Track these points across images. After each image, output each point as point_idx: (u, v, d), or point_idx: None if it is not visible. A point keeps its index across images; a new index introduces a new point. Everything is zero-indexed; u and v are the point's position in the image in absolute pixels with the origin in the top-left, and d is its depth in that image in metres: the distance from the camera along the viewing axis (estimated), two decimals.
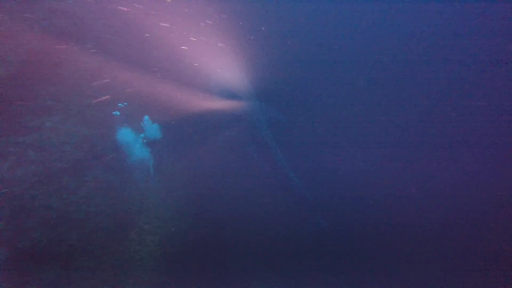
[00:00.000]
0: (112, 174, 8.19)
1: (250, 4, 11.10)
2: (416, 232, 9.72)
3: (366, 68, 11.46)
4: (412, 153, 10.60)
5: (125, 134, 8.47)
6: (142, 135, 8.63)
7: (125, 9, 9.64)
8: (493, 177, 10.32)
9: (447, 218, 9.93)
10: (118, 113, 8.57)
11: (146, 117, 8.80)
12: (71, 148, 7.88)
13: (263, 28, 10.95)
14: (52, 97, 8.24)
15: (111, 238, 7.51)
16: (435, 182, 10.36)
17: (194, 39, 10.09)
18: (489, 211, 9.99)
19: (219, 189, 9.16)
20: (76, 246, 7.00)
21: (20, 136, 7.46)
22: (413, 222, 9.83)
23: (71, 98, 8.43)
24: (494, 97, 11.03)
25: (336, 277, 8.79)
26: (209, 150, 9.51)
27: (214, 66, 10.12)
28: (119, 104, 8.76)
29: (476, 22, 11.63)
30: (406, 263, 9.16)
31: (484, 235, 9.75)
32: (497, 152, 10.58)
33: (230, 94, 9.98)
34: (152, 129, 8.78)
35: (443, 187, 10.28)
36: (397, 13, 11.90)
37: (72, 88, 8.49)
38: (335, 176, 10.10)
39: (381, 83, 11.39)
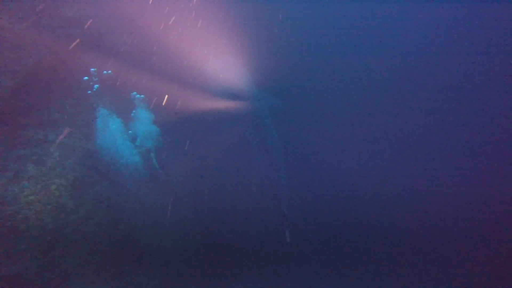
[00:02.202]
0: (115, 192, 7.64)
1: None
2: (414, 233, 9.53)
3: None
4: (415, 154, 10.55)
5: (109, 128, 6.48)
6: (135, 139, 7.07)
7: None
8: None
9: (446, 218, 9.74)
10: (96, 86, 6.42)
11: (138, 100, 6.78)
12: (73, 164, 7.41)
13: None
14: (58, 109, 7.89)
15: (109, 262, 6.87)
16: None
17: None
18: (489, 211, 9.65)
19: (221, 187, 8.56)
20: (69, 272, 6.39)
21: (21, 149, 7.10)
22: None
23: (77, 111, 8.03)
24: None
25: (334, 278, 8.64)
26: (210, 146, 8.69)
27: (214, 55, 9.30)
28: (91, 69, 6.72)
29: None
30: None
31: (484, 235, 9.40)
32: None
33: (230, 84, 8.98)
34: (148, 129, 7.10)
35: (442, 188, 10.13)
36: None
37: (78, 100, 8.09)
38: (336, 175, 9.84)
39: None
